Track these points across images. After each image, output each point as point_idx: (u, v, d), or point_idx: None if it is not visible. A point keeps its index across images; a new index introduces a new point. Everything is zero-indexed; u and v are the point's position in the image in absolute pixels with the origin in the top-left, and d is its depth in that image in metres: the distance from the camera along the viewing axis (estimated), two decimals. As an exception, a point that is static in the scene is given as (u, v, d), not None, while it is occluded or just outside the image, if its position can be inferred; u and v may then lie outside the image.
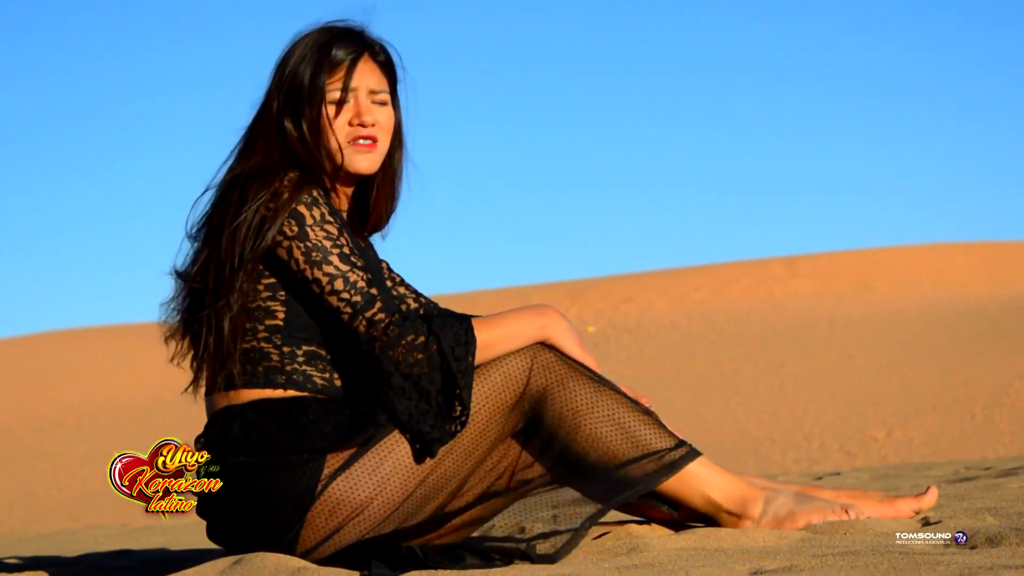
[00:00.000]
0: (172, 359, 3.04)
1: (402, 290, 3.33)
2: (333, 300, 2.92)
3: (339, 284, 2.92)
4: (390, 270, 3.34)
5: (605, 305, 37.24)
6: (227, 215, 2.97)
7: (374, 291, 2.92)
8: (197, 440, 2.98)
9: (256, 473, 2.90)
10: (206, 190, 3.07)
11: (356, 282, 2.92)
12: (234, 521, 2.94)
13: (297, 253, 2.94)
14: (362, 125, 3.07)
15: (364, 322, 2.91)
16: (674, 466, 2.99)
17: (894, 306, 32.08)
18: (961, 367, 21.11)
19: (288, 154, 3.04)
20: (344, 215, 3.16)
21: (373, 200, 3.20)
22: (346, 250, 2.94)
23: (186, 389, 3.04)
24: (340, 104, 3.07)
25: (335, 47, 3.08)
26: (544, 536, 3.12)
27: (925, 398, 18.75)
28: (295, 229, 2.93)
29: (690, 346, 27.72)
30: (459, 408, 2.91)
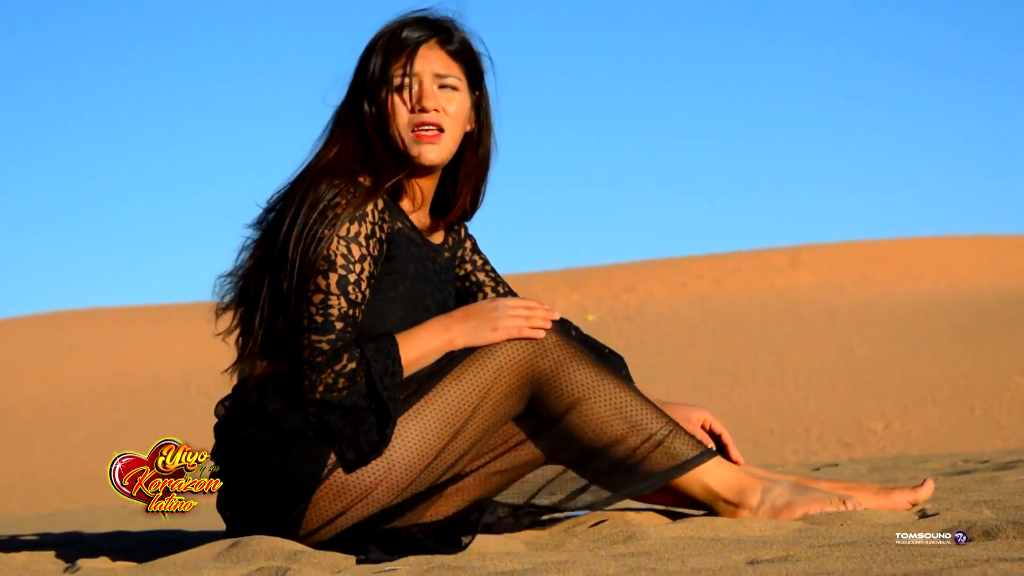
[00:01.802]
0: (218, 334, 3.03)
1: (481, 276, 3.29)
2: (303, 305, 2.92)
3: (317, 298, 2.91)
4: (475, 251, 3.29)
5: (606, 293, 37.24)
6: (286, 215, 2.95)
7: (339, 324, 2.90)
8: (220, 403, 2.99)
9: (264, 448, 2.91)
10: (294, 175, 3.02)
11: (331, 307, 2.90)
12: (240, 494, 2.95)
13: (314, 252, 2.92)
14: (423, 110, 3.02)
15: (307, 342, 2.89)
16: (684, 465, 2.99)
17: (895, 298, 32.08)
18: (961, 360, 21.11)
19: (364, 145, 3.02)
20: (426, 207, 3.13)
21: (457, 191, 3.16)
22: (351, 277, 2.92)
23: (228, 369, 3.04)
24: (401, 90, 3.03)
25: (405, 31, 3.04)
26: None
27: (924, 390, 18.76)
28: (326, 232, 2.91)
29: (690, 335, 27.72)
30: (378, 438, 2.89)
